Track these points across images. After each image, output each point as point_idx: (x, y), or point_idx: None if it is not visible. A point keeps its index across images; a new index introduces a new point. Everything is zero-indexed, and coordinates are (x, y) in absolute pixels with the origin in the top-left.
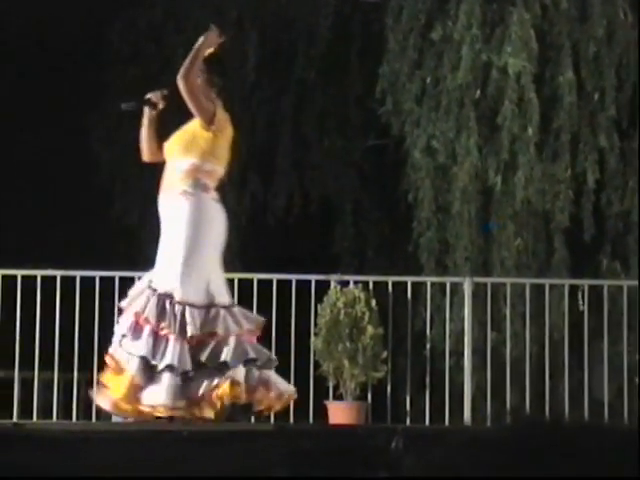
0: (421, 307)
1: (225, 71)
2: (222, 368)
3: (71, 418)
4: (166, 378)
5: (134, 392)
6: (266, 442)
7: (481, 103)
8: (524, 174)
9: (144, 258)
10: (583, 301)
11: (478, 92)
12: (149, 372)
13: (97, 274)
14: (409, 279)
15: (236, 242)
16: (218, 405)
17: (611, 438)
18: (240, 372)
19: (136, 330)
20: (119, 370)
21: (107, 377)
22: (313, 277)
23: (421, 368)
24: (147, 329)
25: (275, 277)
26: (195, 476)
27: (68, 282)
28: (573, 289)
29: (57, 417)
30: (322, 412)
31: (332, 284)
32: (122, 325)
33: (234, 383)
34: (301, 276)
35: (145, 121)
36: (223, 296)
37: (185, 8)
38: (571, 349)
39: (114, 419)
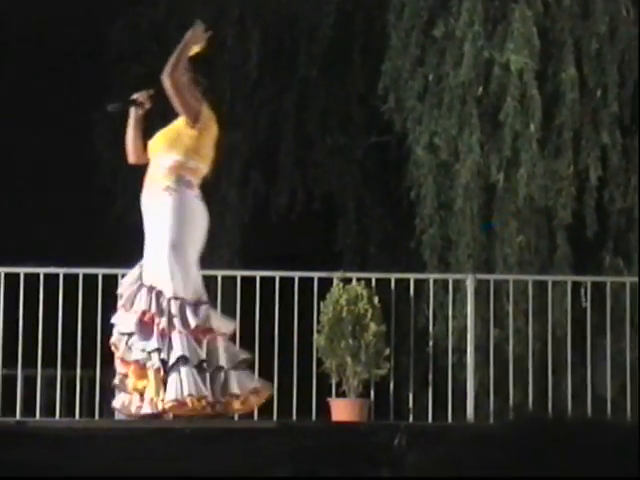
0: (424, 304)
1: (210, 71)
2: (219, 369)
3: (74, 416)
4: (183, 370)
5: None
6: (269, 439)
7: (483, 100)
8: (526, 171)
9: None
10: (586, 298)
11: (480, 89)
12: (165, 367)
13: (100, 271)
14: (412, 276)
15: (238, 239)
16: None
17: (614, 435)
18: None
19: (143, 328)
20: (141, 372)
21: (135, 383)
22: (316, 274)
23: (424, 365)
24: (154, 326)
25: (278, 274)
26: (197, 474)
27: (71, 280)
28: (576, 286)
29: (60, 415)
30: (325, 409)
31: (335, 281)
32: (126, 324)
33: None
34: (304, 273)
35: (131, 122)
36: (204, 294)
37: (188, 6)
38: (574, 346)
39: (117, 416)
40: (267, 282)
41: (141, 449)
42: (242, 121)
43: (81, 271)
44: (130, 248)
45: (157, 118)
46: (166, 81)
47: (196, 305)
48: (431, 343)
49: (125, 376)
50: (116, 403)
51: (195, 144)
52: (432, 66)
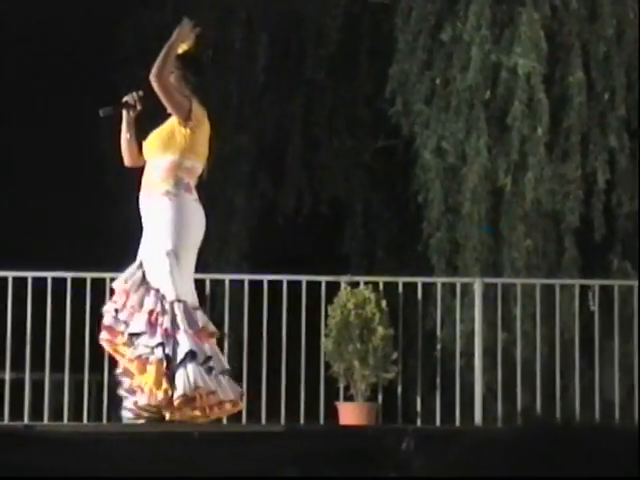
0: (431, 308)
1: (201, 70)
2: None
3: (82, 419)
4: (190, 366)
5: (167, 380)
6: (276, 443)
7: (491, 104)
8: (534, 174)
9: None
10: (593, 301)
11: (488, 93)
12: (170, 364)
13: (108, 275)
14: (419, 280)
15: (246, 243)
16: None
17: (622, 440)
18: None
19: (151, 327)
20: (143, 367)
21: (139, 379)
22: (323, 278)
23: (431, 369)
24: (160, 326)
25: (285, 278)
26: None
27: (79, 283)
28: (583, 289)
29: (68, 419)
30: (333, 413)
31: (342, 285)
32: (137, 324)
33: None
34: (311, 277)
35: (124, 125)
36: (197, 299)
37: (195, 8)
38: (581, 349)
39: (125, 420)
40: (275, 285)
41: (149, 453)
42: (249, 124)
43: (89, 275)
44: (136, 250)
45: (149, 118)
46: (154, 82)
47: (195, 309)
48: (439, 347)
49: (129, 376)
50: (128, 403)
51: (189, 143)
52: (439, 69)
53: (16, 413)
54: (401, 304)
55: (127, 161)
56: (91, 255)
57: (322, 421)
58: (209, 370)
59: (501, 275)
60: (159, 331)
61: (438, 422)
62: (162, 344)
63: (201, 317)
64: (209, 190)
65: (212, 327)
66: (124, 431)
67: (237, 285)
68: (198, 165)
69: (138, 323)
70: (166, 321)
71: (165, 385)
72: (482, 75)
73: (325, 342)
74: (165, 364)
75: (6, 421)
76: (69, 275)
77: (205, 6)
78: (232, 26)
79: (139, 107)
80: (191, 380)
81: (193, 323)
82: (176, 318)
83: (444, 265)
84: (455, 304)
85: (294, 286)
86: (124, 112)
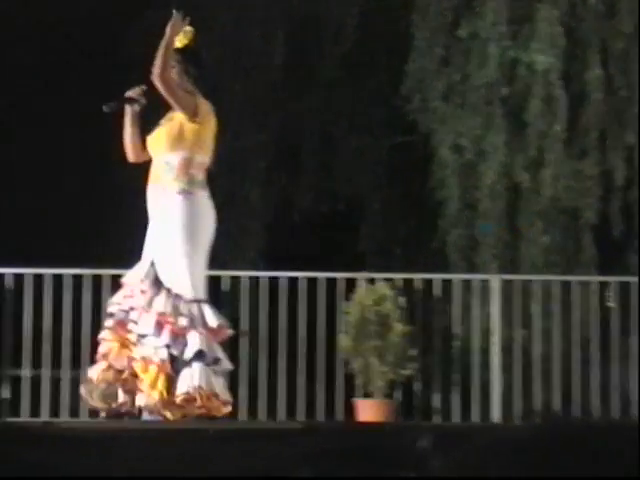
0: (449, 304)
1: (202, 63)
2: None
3: (99, 417)
4: (195, 365)
5: (164, 382)
6: (293, 440)
7: (508, 100)
8: (552, 171)
9: None
10: (611, 298)
11: (505, 89)
12: (175, 364)
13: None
14: (437, 276)
15: (263, 240)
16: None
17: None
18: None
19: (158, 329)
20: (146, 367)
21: (142, 380)
22: (340, 275)
23: (449, 366)
24: (167, 327)
25: (302, 275)
26: (221, 475)
27: (97, 281)
28: (601, 286)
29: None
30: (351, 410)
31: (360, 282)
32: (145, 325)
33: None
34: (328, 274)
35: (128, 120)
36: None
37: (211, 9)
38: (599, 346)
39: (143, 417)
40: (291, 283)
41: (166, 450)
42: (266, 121)
43: (107, 272)
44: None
45: (150, 113)
46: (157, 82)
47: (209, 308)
48: (456, 344)
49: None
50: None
51: (198, 138)
52: (457, 66)
53: (34, 410)
54: (419, 301)
55: (131, 156)
56: (111, 251)
57: (340, 418)
58: (216, 372)
59: (519, 272)
60: (166, 332)
61: (456, 419)
62: (168, 345)
63: (217, 316)
64: (226, 187)
65: (227, 326)
66: (141, 428)
67: (254, 282)
68: (207, 159)
69: (146, 324)
70: (179, 321)
71: (160, 387)
72: (500, 71)
73: (343, 339)
74: (169, 365)
75: (25, 418)
76: (87, 272)
77: (223, 6)
78: (249, 25)
79: (143, 101)
80: (195, 379)
81: (207, 323)
82: (192, 318)
83: (462, 262)
84: (473, 301)
85: (311, 283)
86: (128, 107)
